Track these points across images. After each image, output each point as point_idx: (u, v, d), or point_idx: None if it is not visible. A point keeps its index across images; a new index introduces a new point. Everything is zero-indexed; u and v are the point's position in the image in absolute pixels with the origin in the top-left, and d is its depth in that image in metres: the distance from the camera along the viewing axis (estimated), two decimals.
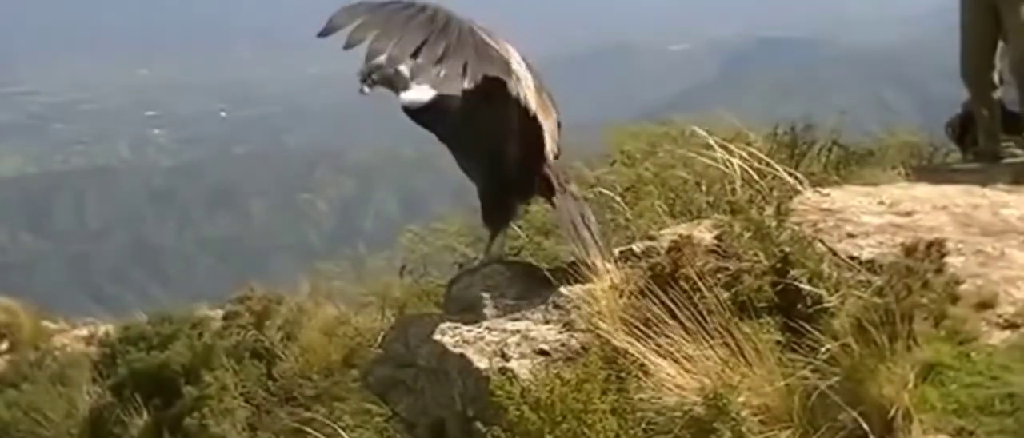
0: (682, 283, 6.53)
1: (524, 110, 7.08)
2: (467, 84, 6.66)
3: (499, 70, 6.86)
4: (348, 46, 6.58)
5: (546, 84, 8.35)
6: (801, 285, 6.47)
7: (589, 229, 7.19)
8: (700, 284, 6.46)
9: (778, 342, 6.17)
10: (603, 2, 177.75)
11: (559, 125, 8.18)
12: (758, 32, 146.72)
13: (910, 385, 5.57)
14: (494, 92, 6.98)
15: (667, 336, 6.22)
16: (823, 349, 5.93)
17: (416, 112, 7.31)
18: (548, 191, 7.37)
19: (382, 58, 6.74)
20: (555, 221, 7.49)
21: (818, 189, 8.67)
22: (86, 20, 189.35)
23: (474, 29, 6.87)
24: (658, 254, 7.00)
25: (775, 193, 8.45)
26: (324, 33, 6.63)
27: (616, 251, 7.49)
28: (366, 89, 7.13)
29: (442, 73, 6.65)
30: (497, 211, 7.48)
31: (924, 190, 8.74)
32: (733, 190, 9.02)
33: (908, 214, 7.94)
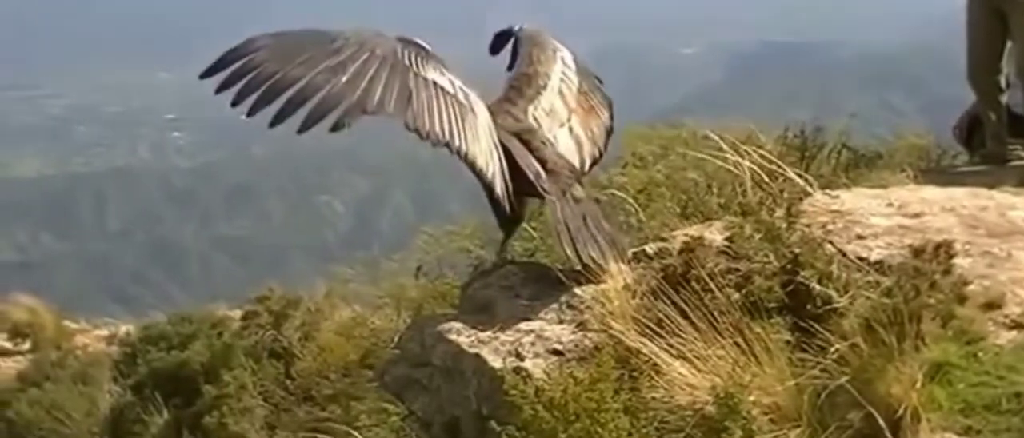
0: (694, 284, 6.53)
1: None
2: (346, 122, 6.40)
3: (393, 108, 6.60)
4: (221, 89, 6.43)
5: (595, 84, 8.43)
6: (811, 286, 6.48)
7: (591, 231, 7.17)
8: (711, 285, 6.47)
9: (788, 342, 6.18)
10: (615, 6, 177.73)
11: (610, 130, 8.24)
12: (767, 36, 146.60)
13: (918, 384, 5.58)
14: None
15: (679, 336, 6.23)
16: (832, 349, 5.95)
17: None
18: (537, 195, 7.35)
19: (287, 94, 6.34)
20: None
21: (827, 191, 8.67)
22: (106, 24, 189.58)
23: (395, 61, 6.74)
24: (670, 255, 7.01)
25: (785, 195, 8.45)
26: (209, 72, 6.49)
27: (629, 253, 7.50)
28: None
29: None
30: (506, 215, 7.48)
31: (932, 192, 8.74)
32: (744, 192, 9.01)
33: (916, 216, 7.94)
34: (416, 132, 6.70)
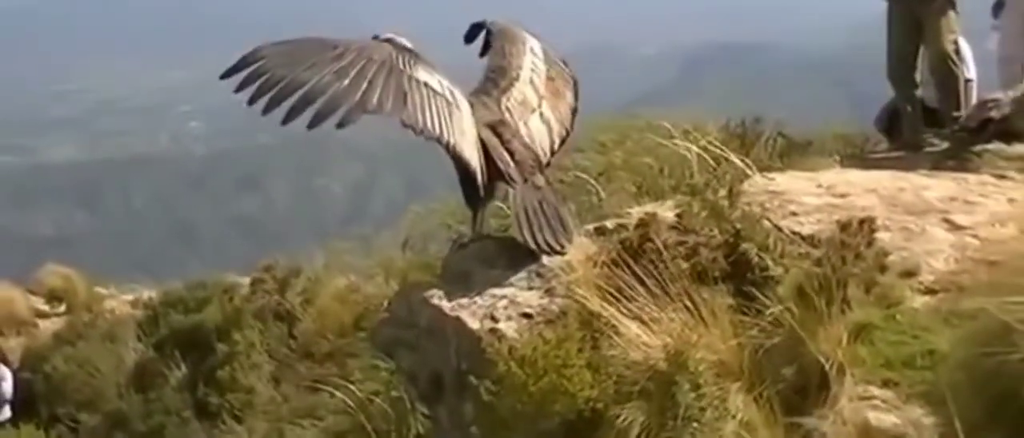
0: (648, 255, 6.55)
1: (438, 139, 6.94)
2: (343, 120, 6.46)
3: (391, 108, 6.65)
4: (239, 89, 6.47)
5: (560, 69, 8.43)
6: (750, 256, 6.51)
7: (547, 217, 7.19)
8: (664, 256, 6.48)
9: (731, 306, 6.20)
10: (579, 9, 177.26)
11: (575, 110, 8.27)
12: (718, 38, 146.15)
13: (844, 343, 5.61)
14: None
15: (635, 301, 6.24)
16: (769, 312, 5.98)
17: None
18: (505, 181, 7.37)
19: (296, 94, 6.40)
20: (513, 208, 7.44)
21: (765, 174, 8.69)
22: (129, 27, 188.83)
23: (390, 65, 6.78)
24: (627, 230, 7.02)
25: (728, 177, 8.45)
26: (228, 74, 6.54)
27: (591, 228, 7.51)
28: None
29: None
30: (472, 194, 7.50)
31: (856, 175, 8.78)
32: (692, 175, 9.04)
33: (843, 196, 7.96)
34: (411, 128, 6.76)
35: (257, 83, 6.46)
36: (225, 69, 6.55)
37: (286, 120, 6.40)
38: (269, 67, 6.49)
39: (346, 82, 6.51)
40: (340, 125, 6.46)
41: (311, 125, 6.40)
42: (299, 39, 6.84)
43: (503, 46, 8.18)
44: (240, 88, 6.48)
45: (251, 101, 6.44)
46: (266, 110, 6.40)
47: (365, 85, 6.56)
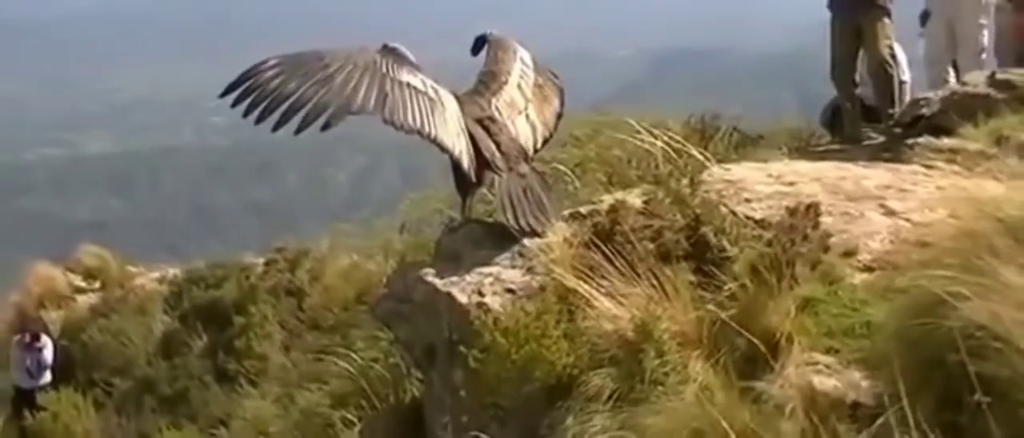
0: (618, 238, 6.54)
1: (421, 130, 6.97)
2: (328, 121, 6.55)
3: (373, 107, 6.71)
4: (235, 104, 6.59)
5: (548, 78, 8.43)
6: (709, 239, 6.51)
7: (529, 203, 7.20)
8: (631, 238, 6.48)
9: (691, 282, 6.20)
10: (558, 17, 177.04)
11: (560, 115, 8.28)
12: (682, 43, 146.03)
13: (792, 315, 5.62)
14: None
15: (606, 278, 6.24)
16: (726, 288, 5.98)
17: None
18: (492, 170, 7.36)
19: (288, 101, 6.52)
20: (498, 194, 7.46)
21: (722, 165, 8.69)
22: (157, 32, 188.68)
23: (374, 69, 6.82)
24: (599, 215, 7.01)
25: (689, 168, 8.46)
26: (226, 92, 6.64)
27: (567, 213, 7.50)
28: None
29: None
30: (462, 181, 7.50)
31: (803, 166, 8.77)
32: (657, 166, 9.03)
33: (791, 184, 7.96)
34: (391, 124, 6.81)
35: (250, 98, 6.56)
36: (223, 88, 6.67)
37: (276, 128, 6.52)
38: (260, 83, 6.57)
39: (331, 88, 6.58)
40: (325, 127, 6.55)
41: (298, 131, 6.52)
42: (292, 54, 6.88)
43: (496, 54, 8.21)
44: (235, 104, 6.60)
45: (245, 114, 6.56)
46: (258, 121, 6.54)
47: (349, 89, 6.63)
